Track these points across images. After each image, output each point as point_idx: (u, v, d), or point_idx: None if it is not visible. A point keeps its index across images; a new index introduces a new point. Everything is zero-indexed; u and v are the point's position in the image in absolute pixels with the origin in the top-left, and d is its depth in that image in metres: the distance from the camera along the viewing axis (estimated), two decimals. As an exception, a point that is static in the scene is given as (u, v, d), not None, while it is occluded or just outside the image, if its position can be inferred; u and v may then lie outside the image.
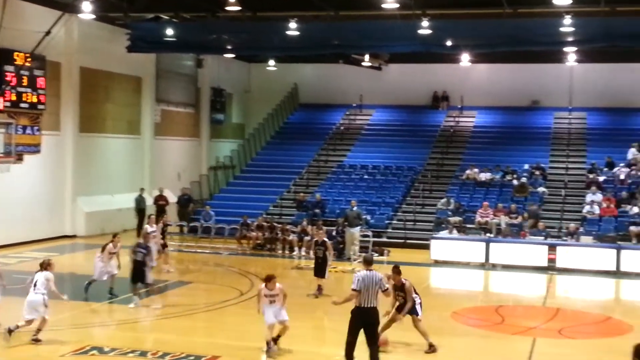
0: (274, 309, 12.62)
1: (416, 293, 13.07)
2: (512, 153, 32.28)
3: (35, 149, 25.23)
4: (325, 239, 18.59)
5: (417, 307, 12.98)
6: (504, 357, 12.94)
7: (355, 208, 25.44)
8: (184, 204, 29.60)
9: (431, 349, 12.82)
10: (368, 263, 11.64)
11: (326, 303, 17.17)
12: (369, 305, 11.20)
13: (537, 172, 30.02)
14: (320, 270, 18.08)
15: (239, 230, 26.23)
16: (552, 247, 22.76)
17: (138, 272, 16.51)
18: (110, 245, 17.08)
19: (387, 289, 11.53)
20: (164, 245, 20.97)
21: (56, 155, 26.37)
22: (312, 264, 19.02)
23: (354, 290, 11.19)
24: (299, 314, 15.88)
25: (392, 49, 29.90)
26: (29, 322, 13.05)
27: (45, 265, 13.38)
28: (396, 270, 12.85)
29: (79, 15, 24.79)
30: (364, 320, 11.23)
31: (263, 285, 12.83)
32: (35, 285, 13.09)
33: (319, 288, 17.99)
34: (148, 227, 19.86)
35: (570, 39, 23.89)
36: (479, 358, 12.98)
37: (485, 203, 26.59)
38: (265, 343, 12.54)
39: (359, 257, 23.86)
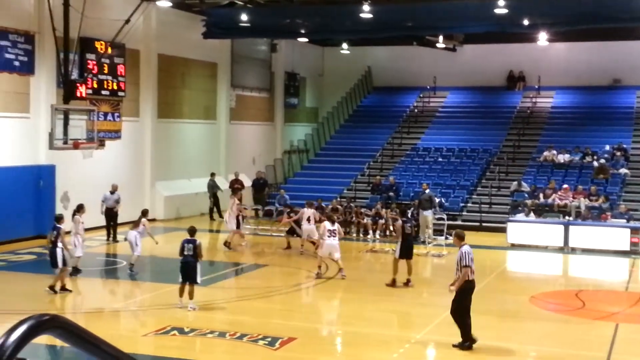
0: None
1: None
2: (592, 134, 31.38)
3: (116, 134, 25.92)
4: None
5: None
6: (586, 342, 12.67)
7: (427, 191, 25.22)
8: (260, 188, 29.89)
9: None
10: (462, 238, 12.13)
11: (401, 287, 17.16)
12: (474, 277, 11.85)
13: (619, 153, 29.14)
14: None
15: (313, 214, 26.35)
16: (635, 231, 22.11)
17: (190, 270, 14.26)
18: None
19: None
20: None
21: (136, 141, 27.01)
22: (386, 246, 19.27)
23: (467, 266, 11.63)
24: (374, 297, 15.96)
25: (467, 29, 29.42)
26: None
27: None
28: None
29: (157, 3, 25.30)
30: (472, 292, 11.86)
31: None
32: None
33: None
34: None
35: (653, 14, 23.06)
36: (560, 343, 12.74)
37: (566, 186, 25.97)
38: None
39: (434, 241, 23.76)
